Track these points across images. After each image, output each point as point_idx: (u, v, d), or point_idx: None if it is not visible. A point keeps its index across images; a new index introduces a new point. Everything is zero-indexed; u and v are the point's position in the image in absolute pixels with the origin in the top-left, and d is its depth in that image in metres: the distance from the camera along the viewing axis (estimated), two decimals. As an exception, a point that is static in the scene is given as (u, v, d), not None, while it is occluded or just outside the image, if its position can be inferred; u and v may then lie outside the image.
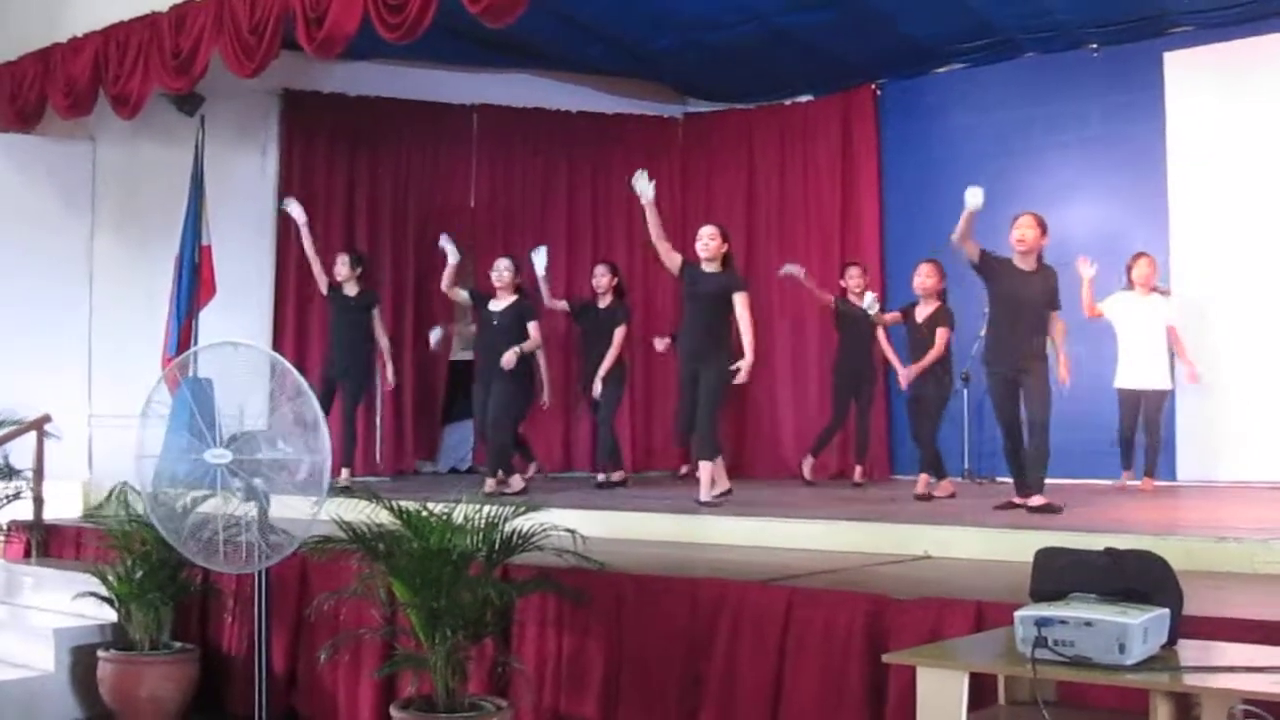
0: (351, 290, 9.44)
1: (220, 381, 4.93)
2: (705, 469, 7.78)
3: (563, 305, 9.81)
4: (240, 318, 9.85)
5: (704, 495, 7.64)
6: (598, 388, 9.37)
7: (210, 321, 9.35)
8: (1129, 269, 9.00)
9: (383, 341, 9.53)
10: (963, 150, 10.70)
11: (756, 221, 11.71)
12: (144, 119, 9.26)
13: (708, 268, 7.89)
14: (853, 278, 9.71)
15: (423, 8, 7.07)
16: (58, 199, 10.06)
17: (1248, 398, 9.31)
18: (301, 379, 5.05)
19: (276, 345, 10.44)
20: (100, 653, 6.72)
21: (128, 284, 10.03)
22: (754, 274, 11.60)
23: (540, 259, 9.39)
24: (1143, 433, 8.97)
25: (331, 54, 7.95)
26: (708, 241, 7.90)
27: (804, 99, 11.68)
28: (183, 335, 9.38)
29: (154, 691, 6.56)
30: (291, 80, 10.46)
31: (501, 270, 9.05)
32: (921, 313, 8.62)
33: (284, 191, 10.64)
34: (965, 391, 9.60)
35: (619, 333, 9.46)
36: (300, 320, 10.43)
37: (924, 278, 8.58)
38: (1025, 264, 7.21)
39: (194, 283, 9.46)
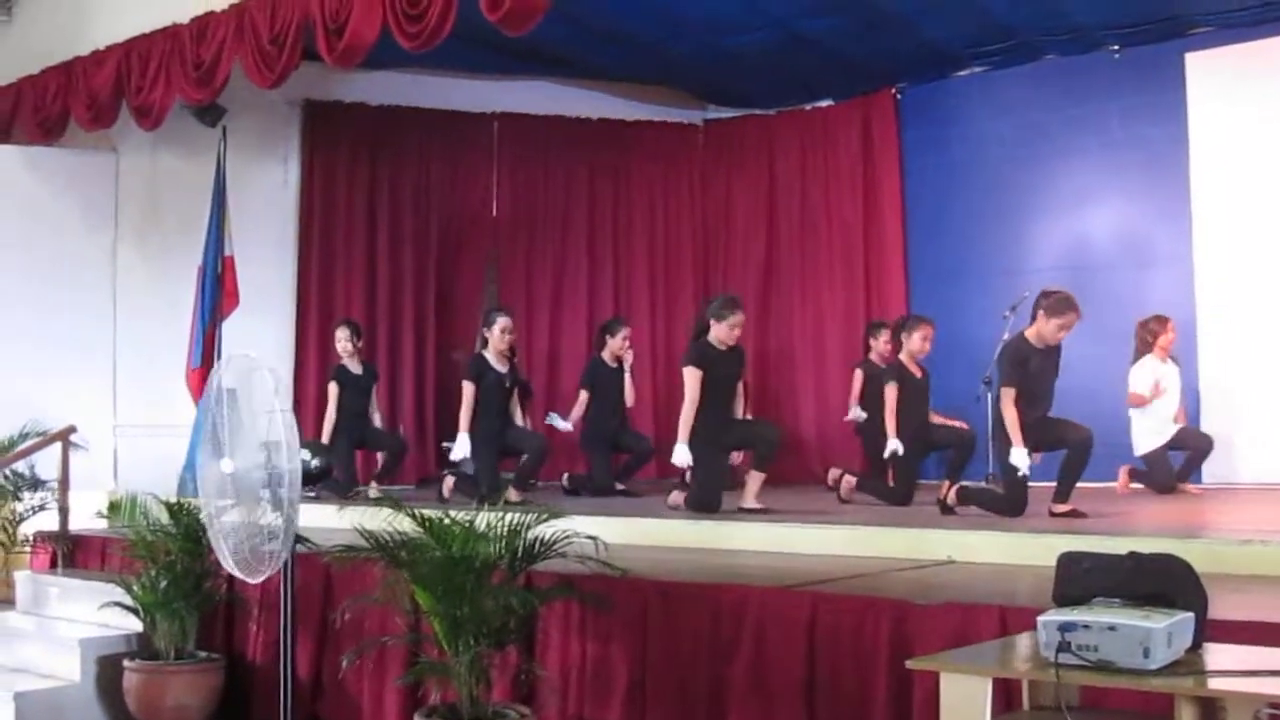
0: (356, 367, 9.58)
1: (243, 393, 4.94)
2: (757, 478, 7.75)
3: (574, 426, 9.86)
4: (263, 327, 9.95)
5: (748, 502, 7.62)
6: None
7: (233, 331, 9.42)
8: (1153, 333, 8.96)
9: (375, 417, 9.71)
10: (983, 153, 10.69)
11: (778, 226, 11.69)
12: (166, 130, 9.32)
13: (728, 351, 7.89)
14: (879, 339, 9.56)
15: (442, 16, 7.09)
16: (81, 210, 10.14)
17: (1271, 400, 9.25)
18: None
19: (299, 354, 10.54)
20: (126, 662, 6.77)
21: (151, 294, 10.10)
22: (776, 278, 11.68)
23: (561, 423, 9.69)
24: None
25: (352, 64, 8.00)
26: (739, 330, 7.89)
27: (824, 104, 11.65)
28: (206, 345, 9.46)
29: (179, 700, 6.60)
30: (312, 90, 10.52)
31: (508, 333, 8.92)
32: (917, 370, 8.62)
33: (306, 201, 10.73)
34: (988, 396, 9.54)
35: (632, 391, 9.84)
36: (323, 330, 10.45)
37: (927, 343, 8.61)
38: (1046, 345, 7.12)
39: (217, 293, 9.55)
